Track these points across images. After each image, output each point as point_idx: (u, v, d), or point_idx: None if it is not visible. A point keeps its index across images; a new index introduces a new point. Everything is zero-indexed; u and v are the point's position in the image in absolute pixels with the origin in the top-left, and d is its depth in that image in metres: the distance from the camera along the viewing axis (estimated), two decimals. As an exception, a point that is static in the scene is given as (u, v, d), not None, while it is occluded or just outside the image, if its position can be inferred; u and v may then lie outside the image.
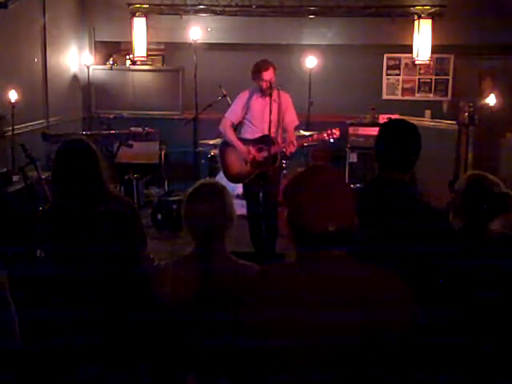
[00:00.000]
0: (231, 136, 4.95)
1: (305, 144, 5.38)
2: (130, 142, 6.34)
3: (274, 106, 4.80)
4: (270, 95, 4.69)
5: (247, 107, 4.92)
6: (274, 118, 4.80)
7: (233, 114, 4.99)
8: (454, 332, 2.17)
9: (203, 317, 2.00)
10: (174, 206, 6.21)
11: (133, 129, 6.77)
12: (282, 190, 2.18)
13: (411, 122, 2.52)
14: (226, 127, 4.97)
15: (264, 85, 4.74)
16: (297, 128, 5.34)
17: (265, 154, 4.86)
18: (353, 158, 7.69)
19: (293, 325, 1.52)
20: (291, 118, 4.99)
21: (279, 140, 4.88)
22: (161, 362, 1.74)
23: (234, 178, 5.01)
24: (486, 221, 2.35)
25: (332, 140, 4.97)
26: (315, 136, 5.21)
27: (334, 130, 4.93)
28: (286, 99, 4.94)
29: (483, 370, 2.13)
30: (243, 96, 4.96)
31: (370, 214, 2.10)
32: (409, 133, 2.41)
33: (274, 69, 4.78)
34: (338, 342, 1.49)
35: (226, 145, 5.05)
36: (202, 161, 7.18)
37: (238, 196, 5.67)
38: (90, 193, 2.52)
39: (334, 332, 1.49)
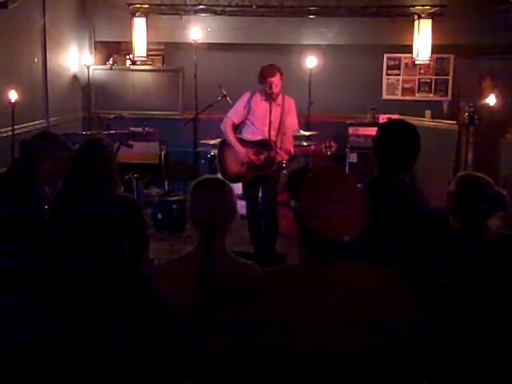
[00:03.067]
0: (231, 136, 4.96)
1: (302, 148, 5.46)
2: (130, 142, 6.34)
3: (277, 110, 4.84)
4: (272, 98, 4.74)
5: (249, 108, 4.94)
6: (275, 121, 4.83)
7: (235, 113, 5.01)
8: (453, 332, 2.17)
9: (203, 316, 2.00)
10: (174, 206, 6.22)
11: (133, 129, 6.78)
12: (287, 189, 2.18)
13: (411, 122, 2.51)
14: (226, 126, 4.98)
15: (268, 89, 4.75)
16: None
17: (262, 157, 4.88)
18: (353, 158, 7.70)
19: (295, 327, 1.52)
20: (291, 123, 5.00)
21: (278, 144, 4.90)
22: (159, 363, 1.73)
23: (230, 178, 5.01)
24: (481, 220, 2.35)
25: (329, 153, 4.96)
26: (313, 147, 5.27)
27: (331, 144, 4.92)
28: (290, 104, 4.98)
29: (483, 370, 2.13)
30: (245, 97, 4.98)
31: (370, 214, 2.10)
32: (408, 134, 2.40)
33: (281, 74, 4.79)
34: (340, 344, 1.49)
35: (224, 145, 5.07)
36: (202, 161, 7.18)
37: (237, 196, 5.66)
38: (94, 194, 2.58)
39: (337, 334, 1.49)
